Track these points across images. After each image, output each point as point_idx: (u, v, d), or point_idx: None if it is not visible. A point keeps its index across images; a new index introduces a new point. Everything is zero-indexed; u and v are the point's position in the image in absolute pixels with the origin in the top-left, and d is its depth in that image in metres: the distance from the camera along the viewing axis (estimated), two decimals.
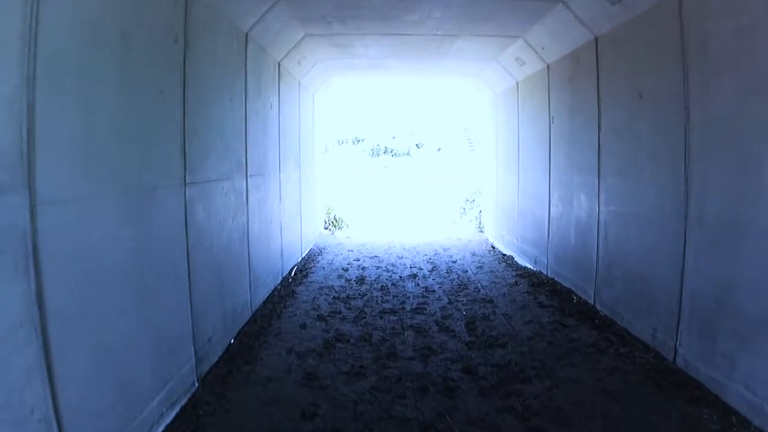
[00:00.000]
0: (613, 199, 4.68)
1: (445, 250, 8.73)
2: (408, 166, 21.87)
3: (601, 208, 4.90)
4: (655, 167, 3.96)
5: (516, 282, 6.37)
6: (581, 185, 5.45)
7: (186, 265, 3.32)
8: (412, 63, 8.12)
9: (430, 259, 7.94)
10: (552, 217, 6.47)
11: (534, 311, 5.07)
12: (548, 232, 6.58)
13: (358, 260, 7.78)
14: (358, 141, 24.45)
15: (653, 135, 3.98)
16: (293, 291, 5.98)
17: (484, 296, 5.70)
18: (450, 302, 5.44)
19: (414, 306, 5.30)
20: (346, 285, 6.26)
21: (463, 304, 5.33)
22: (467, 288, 6.10)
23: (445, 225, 11.37)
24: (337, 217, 10.59)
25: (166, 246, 3.06)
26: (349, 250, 8.57)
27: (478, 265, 7.47)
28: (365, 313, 5.08)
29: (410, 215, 12.73)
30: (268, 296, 5.62)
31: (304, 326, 4.66)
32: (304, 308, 5.26)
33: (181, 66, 3.30)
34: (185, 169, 3.37)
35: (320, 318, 4.92)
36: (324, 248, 8.75)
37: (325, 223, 10.44)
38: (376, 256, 8.07)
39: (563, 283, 5.96)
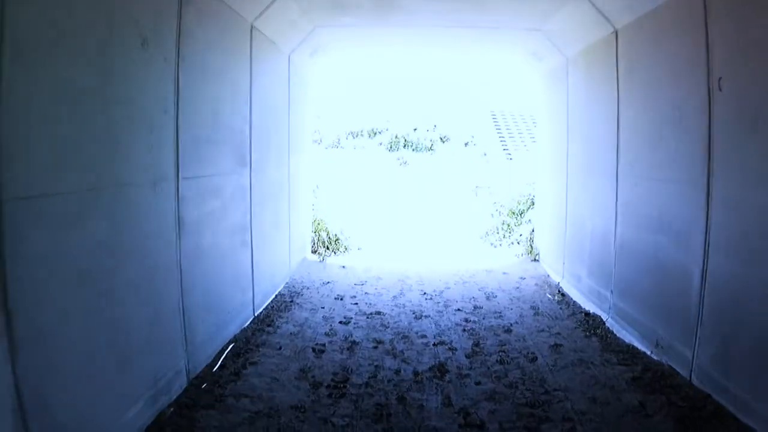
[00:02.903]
0: None
1: (488, 297, 5.64)
2: (431, 164, 18.70)
3: None
4: None
5: (642, 402, 3.24)
6: None
7: None
8: (437, 5, 5.04)
9: (466, 321, 4.87)
10: (711, 276, 3.31)
11: None
12: (700, 300, 3.41)
13: (347, 323, 4.76)
14: (375, 133, 21.39)
15: None
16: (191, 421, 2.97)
17: None
18: None
19: None
20: (308, 401, 3.24)
21: None
22: (547, 413, 3.04)
23: (482, 247, 8.26)
24: (331, 236, 7.57)
25: None
26: (337, 297, 5.55)
27: (552, 341, 4.34)
28: None
29: (433, 230, 9.63)
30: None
31: None
32: None
33: None
34: None
35: None
36: (300, 291, 5.75)
37: (313, 244, 7.43)
38: (378, 313, 5.03)
39: (744, 420, 2.82)
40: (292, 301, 5.37)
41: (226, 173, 4.12)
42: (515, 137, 21.02)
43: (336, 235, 7.52)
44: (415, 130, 21.05)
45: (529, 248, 7.46)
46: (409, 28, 5.98)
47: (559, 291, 5.91)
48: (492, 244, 8.17)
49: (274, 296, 5.44)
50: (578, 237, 5.77)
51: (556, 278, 6.36)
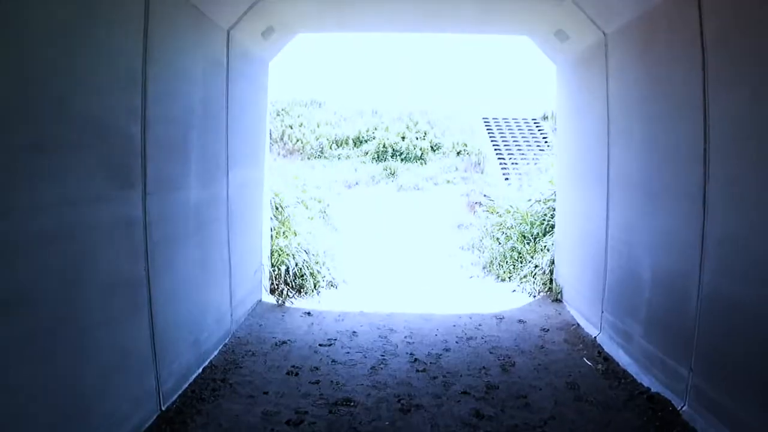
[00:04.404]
0: None
1: (504, 366, 4.00)
2: (422, 175, 17.12)
3: None
4: None
5: None
6: None
7: None
8: None
9: (478, 415, 3.23)
10: None
11: None
12: None
13: (299, 423, 3.09)
14: (361, 141, 19.76)
15: None
16: None
17: None
18: None
19: None
20: None
21: None
22: None
23: (487, 282, 6.64)
24: (298, 269, 5.88)
25: None
26: (291, 371, 3.86)
27: None
28: None
29: (426, 258, 8.00)
30: None
31: None
32: None
33: None
34: None
35: None
36: (241, 360, 4.06)
37: (272, 280, 5.74)
38: (346, 402, 3.37)
39: None
40: (224, 380, 3.69)
41: (84, 200, 2.48)
42: (510, 145, 19.54)
43: (302, 268, 5.85)
44: (403, 138, 19.48)
45: (549, 284, 5.85)
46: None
47: (599, 352, 4.30)
48: (499, 277, 6.55)
49: (199, 372, 3.76)
50: (626, 277, 4.18)
51: (590, 330, 4.76)
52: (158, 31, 3.10)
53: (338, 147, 19.63)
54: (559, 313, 5.33)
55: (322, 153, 19.25)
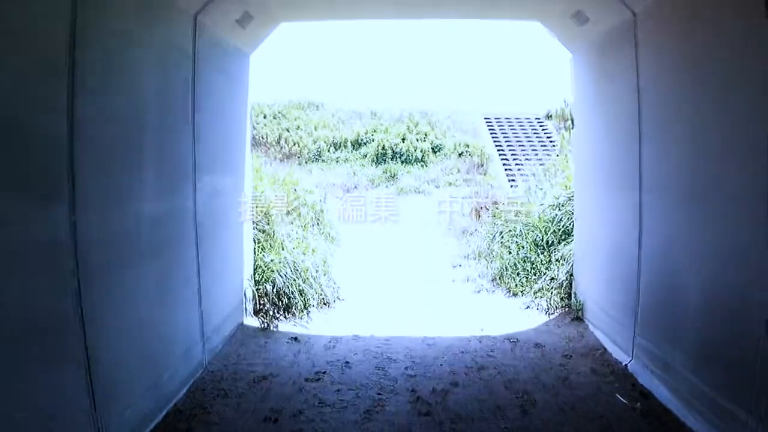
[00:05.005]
0: None
1: (524, 408, 3.35)
2: (423, 178, 16.50)
3: None
4: None
5: None
6: None
7: None
8: None
9: None
10: None
11: None
12: None
13: None
14: (360, 144, 19.11)
15: None
16: None
17: None
18: None
19: None
20: None
21: None
22: None
23: (496, 296, 5.98)
24: (288, 287, 5.24)
25: None
26: (269, 417, 3.22)
27: None
28: None
29: (430, 268, 7.36)
30: None
31: None
32: None
33: None
34: None
35: None
36: (211, 401, 3.41)
37: (256, 300, 5.10)
38: None
39: None
40: (188, 430, 3.06)
41: None
42: (514, 145, 18.89)
43: (290, 286, 5.21)
44: (403, 140, 18.84)
45: (567, 299, 5.21)
46: None
47: (633, 385, 3.66)
48: (510, 290, 5.90)
49: (160, 419, 3.13)
50: (666, 296, 3.55)
51: (619, 355, 4.12)
52: (92, 6, 2.48)
53: (336, 150, 19.03)
54: (582, 335, 4.69)
55: (320, 156, 18.65)
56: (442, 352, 4.30)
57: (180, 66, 3.49)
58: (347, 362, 4.06)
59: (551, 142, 18.97)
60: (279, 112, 20.47)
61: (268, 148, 18.75)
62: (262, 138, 19.10)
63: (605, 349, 4.36)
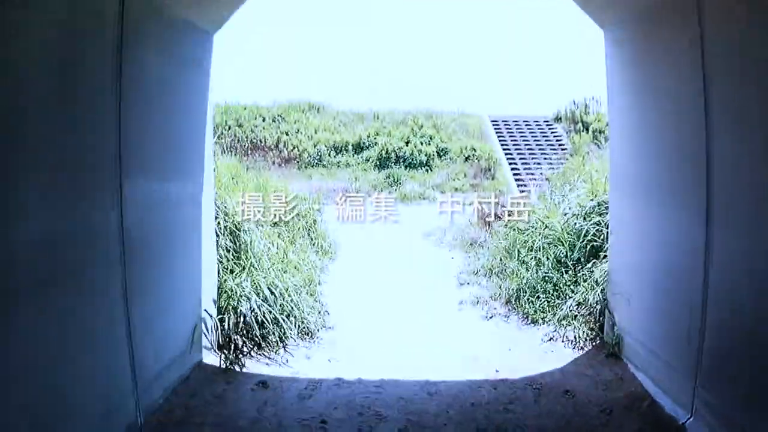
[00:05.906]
0: None
1: None
2: (428, 184, 15.59)
3: None
4: None
5: None
6: None
7: None
8: None
9: None
10: None
11: None
12: None
13: None
14: (362, 147, 18.20)
15: None
16: None
17: None
18: None
19: None
20: None
21: None
22: None
23: (513, 324, 5.03)
24: (262, 316, 4.33)
25: None
26: None
27: None
28: None
29: (433, 288, 6.42)
30: None
31: None
32: None
33: None
34: None
35: None
36: None
37: (220, 336, 4.18)
38: None
39: None
40: None
41: None
42: (522, 148, 17.92)
43: (264, 314, 4.30)
44: (407, 143, 17.91)
45: (599, 331, 4.27)
46: None
47: None
48: (528, 317, 4.96)
49: None
50: (746, 340, 2.62)
51: (671, 408, 3.20)
52: None
53: (338, 153, 18.17)
54: (621, 379, 3.74)
55: (320, 161, 17.81)
56: (446, 405, 3.38)
57: (92, 37, 2.61)
58: (323, 422, 3.15)
59: (561, 145, 18.03)
60: (278, 115, 19.67)
61: (266, 153, 17.95)
62: (260, 141, 18.32)
63: (652, 399, 3.42)
